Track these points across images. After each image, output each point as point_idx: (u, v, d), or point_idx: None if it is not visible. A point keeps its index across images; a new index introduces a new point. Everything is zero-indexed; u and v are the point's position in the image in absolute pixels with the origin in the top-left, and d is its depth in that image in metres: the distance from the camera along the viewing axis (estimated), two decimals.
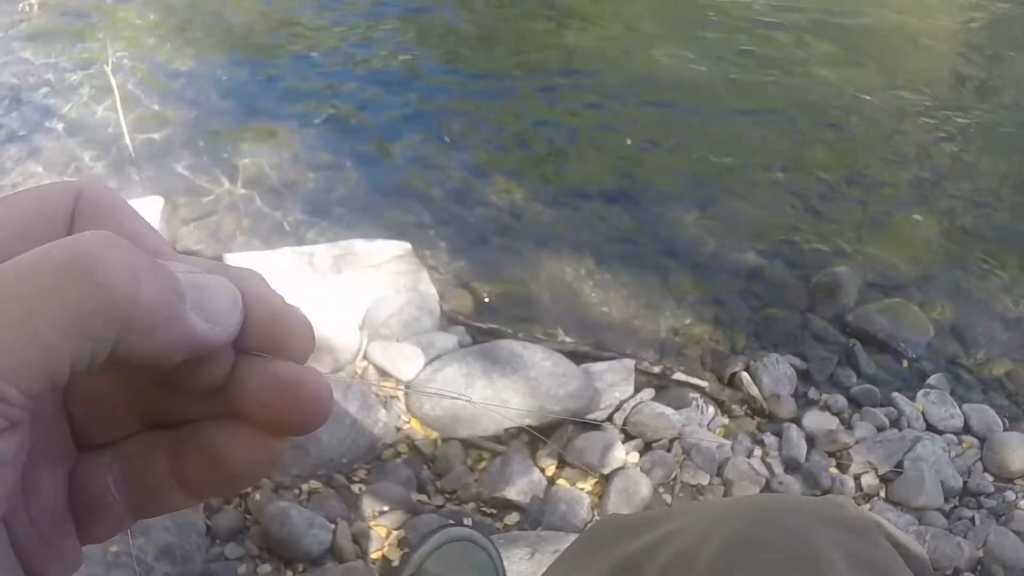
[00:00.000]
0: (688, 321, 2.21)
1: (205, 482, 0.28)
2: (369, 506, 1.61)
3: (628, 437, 1.82)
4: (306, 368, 0.27)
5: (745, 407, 1.97)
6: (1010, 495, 1.82)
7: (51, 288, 0.21)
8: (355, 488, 1.65)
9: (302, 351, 0.27)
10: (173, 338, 0.24)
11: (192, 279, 0.25)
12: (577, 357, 1.98)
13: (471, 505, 1.67)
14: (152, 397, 0.28)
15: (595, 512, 1.68)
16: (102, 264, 0.22)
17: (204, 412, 0.28)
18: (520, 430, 1.80)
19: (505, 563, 1.39)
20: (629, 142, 2.92)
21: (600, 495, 1.71)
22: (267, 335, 0.26)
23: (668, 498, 1.71)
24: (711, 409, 1.93)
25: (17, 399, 0.21)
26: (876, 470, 1.83)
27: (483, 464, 1.74)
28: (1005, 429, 1.97)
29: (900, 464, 1.83)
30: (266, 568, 1.49)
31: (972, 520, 1.75)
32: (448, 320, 2.08)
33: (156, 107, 2.90)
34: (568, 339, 2.11)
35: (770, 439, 1.87)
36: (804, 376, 2.07)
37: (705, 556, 0.62)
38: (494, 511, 1.67)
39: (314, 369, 0.27)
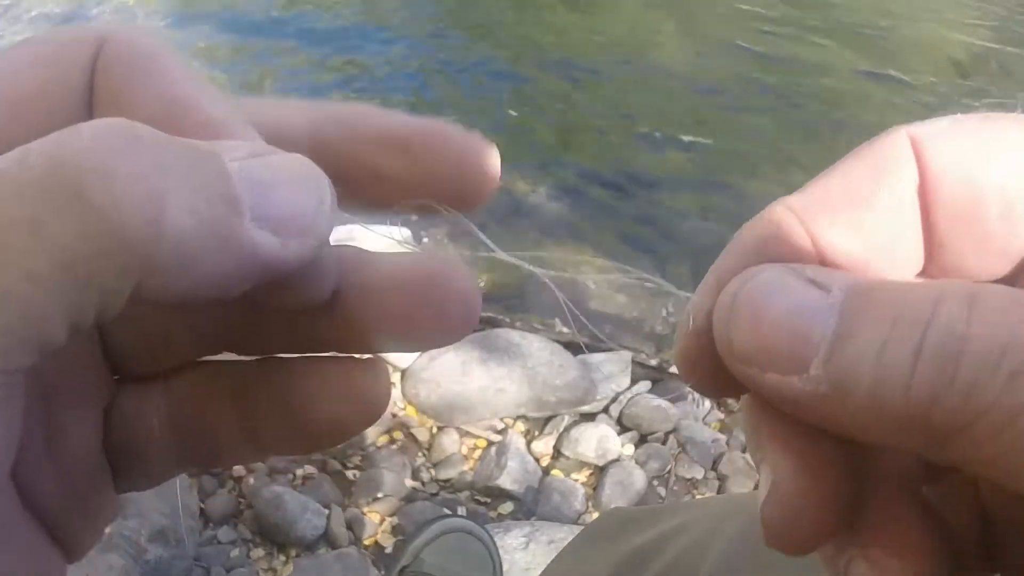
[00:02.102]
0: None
1: (279, 436, 0.22)
2: (363, 492, 1.60)
3: (624, 429, 1.82)
4: (446, 259, 0.21)
5: None
6: None
7: (25, 221, 0.15)
8: (349, 474, 1.64)
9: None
10: (225, 269, 0.17)
11: (252, 171, 0.17)
12: (574, 348, 1.97)
13: (465, 493, 1.67)
14: (215, 317, 0.22)
15: (589, 503, 1.67)
16: (103, 180, 0.15)
17: (287, 342, 0.22)
18: (516, 419, 1.79)
19: (500, 553, 1.39)
20: (514, 113, 2.89)
21: (595, 486, 1.70)
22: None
23: (663, 491, 1.71)
24: (707, 403, 1.93)
25: None
26: None
27: (478, 452, 1.74)
28: None
29: None
30: (259, 552, 1.48)
31: None
32: None
33: None
34: (565, 329, 2.10)
35: None
36: None
37: (713, 552, 0.62)
38: (488, 500, 1.66)
39: (456, 259, 0.21)
